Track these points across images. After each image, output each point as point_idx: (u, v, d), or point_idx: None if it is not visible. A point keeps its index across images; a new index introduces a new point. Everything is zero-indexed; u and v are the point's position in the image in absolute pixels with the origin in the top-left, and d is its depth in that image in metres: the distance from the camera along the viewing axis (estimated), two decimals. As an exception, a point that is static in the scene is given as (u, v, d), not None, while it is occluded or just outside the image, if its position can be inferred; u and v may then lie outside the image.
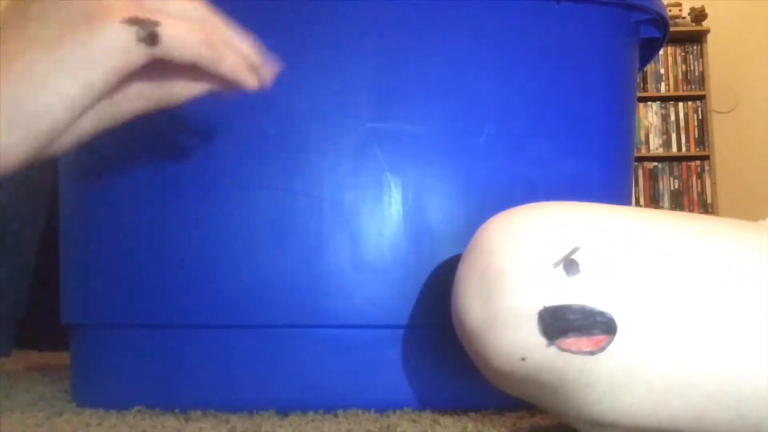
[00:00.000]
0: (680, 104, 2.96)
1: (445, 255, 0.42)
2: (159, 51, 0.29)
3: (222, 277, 0.41)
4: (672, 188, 2.91)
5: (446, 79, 0.43)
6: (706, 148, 2.90)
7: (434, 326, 0.42)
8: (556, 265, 0.31)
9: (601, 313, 0.31)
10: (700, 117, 2.94)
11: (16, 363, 0.74)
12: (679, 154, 2.92)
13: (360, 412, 0.41)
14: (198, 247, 0.41)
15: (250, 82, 0.33)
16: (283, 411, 0.41)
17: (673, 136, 2.94)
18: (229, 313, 0.41)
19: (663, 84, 2.96)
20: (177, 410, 0.41)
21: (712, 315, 0.31)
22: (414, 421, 0.38)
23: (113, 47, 0.28)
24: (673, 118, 2.95)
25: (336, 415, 0.40)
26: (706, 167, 2.89)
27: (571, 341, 0.31)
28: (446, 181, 0.42)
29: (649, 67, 2.93)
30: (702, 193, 2.88)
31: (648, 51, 0.51)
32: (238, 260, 0.41)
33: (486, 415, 0.41)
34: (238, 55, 0.33)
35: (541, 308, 0.31)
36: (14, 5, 0.30)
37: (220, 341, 0.41)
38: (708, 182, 2.88)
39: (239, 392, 0.41)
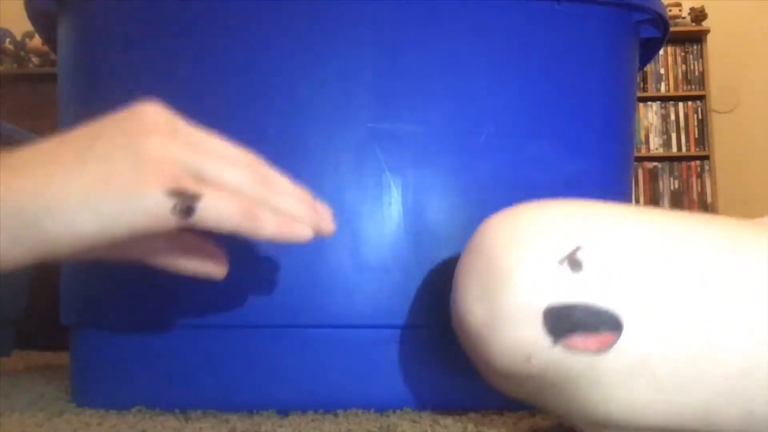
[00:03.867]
0: (680, 104, 2.96)
1: (445, 255, 0.42)
2: (192, 222, 0.29)
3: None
4: (672, 188, 2.91)
5: (446, 79, 0.43)
6: (706, 148, 2.90)
7: (434, 326, 0.42)
8: (561, 261, 0.31)
9: (607, 312, 0.31)
10: (700, 117, 2.94)
11: (16, 363, 0.74)
12: (679, 154, 2.92)
13: (360, 412, 0.41)
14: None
15: (299, 233, 0.32)
16: (283, 411, 0.41)
17: (673, 136, 2.94)
18: (228, 313, 0.41)
19: (663, 84, 2.96)
20: (177, 410, 0.41)
21: (718, 311, 0.31)
22: (414, 422, 0.38)
23: (146, 212, 0.28)
24: (673, 118, 2.95)
25: (336, 415, 0.40)
26: (706, 167, 2.89)
27: (577, 340, 0.31)
28: (446, 181, 0.42)
29: (649, 67, 2.93)
30: (702, 193, 2.88)
31: (648, 51, 0.51)
32: (238, 260, 0.41)
33: (486, 415, 0.41)
34: (287, 204, 0.33)
35: (546, 307, 0.31)
36: (89, 126, 0.30)
37: (220, 341, 0.41)
38: (708, 182, 2.88)
39: (239, 392, 0.41)
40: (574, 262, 0.31)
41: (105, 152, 0.29)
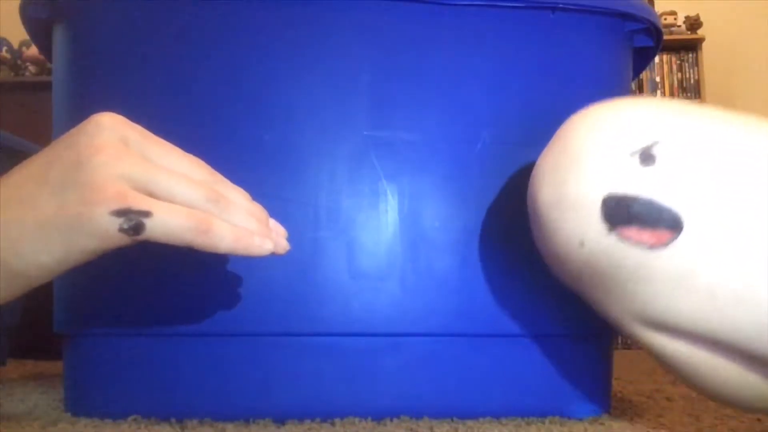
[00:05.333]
0: (676, 112, 2.96)
1: (441, 263, 0.42)
2: (142, 238, 0.30)
3: (217, 285, 0.41)
4: (668, 196, 2.92)
5: (442, 88, 0.43)
6: (702, 156, 2.90)
7: (430, 334, 0.42)
8: (633, 154, 0.31)
9: (669, 210, 0.30)
10: (695, 125, 2.94)
11: (10, 372, 0.74)
12: (675, 161, 2.92)
13: (357, 420, 0.41)
14: (193, 255, 0.41)
15: (257, 248, 0.32)
16: (280, 419, 0.41)
17: (669, 143, 2.95)
18: (224, 322, 0.41)
19: (659, 92, 2.97)
20: (173, 419, 0.40)
21: None
22: (411, 429, 0.38)
23: (95, 235, 0.30)
24: (668, 125, 2.96)
25: (333, 424, 0.40)
26: (702, 175, 2.90)
27: (632, 231, 0.31)
28: (442, 189, 0.42)
29: (645, 75, 2.94)
30: (698, 200, 2.88)
31: (641, 60, 0.51)
32: (233, 268, 0.41)
33: (483, 423, 0.41)
34: (239, 219, 0.33)
35: (607, 194, 0.31)
36: (46, 151, 0.32)
37: (216, 350, 0.41)
38: (704, 190, 2.89)
39: (235, 401, 0.41)
40: (647, 156, 0.31)
41: (57, 180, 0.30)
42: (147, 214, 0.30)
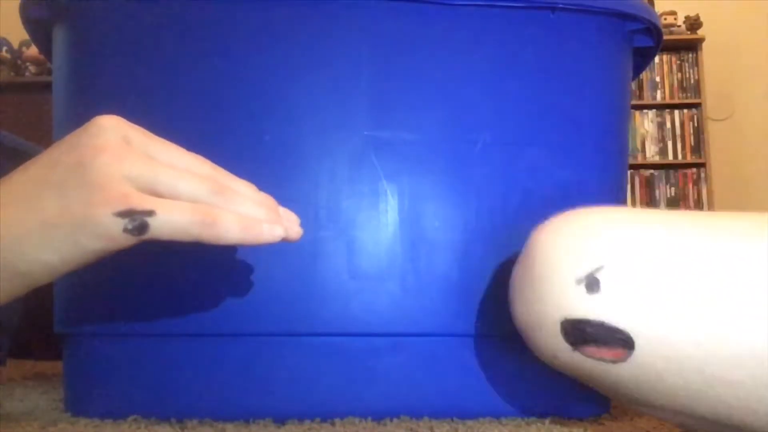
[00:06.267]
0: (676, 112, 2.97)
1: (441, 263, 0.42)
2: (147, 237, 0.30)
3: (217, 285, 0.41)
4: (669, 196, 2.92)
5: (442, 88, 0.43)
6: (703, 156, 2.91)
7: (430, 334, 0.42)
8: (579, 282, 0.33)
9: (619, 330, 0.32)
10: (696, 125, 2.95)
11: (10, 372, 0.74)
12: (675, 161, 2.93)
13: (357, 420, 0.41)
14: (192, 255, 0.41)
15: (267, 235, 0.32)
16: (280, 420, 0.41)
17: (669, 143, 2.95)
18: (224, 322, 0.41)
19: (659, 92, 2.97)
20: (173, 419, 0.40)
21: (729, 332, 0.31)
22: (411, 430, 0.38)
23: (100, 236, 0.30)
24: (669, 125, 2.96)
25: (333, 424, 0.40)
26: (703, 175, 2.91)
27: (592, 350, 0.33)
28: (442, 190, 0.42)
29: (645, 75, 2.94)
30: (698, 200, 2.89)
31: (641, 60, 0.51)
32: (234, 268, 0.41)
33: (483, 423, 0.41)
34: (247, 209, 0.33)
35: (563, 319, 0.34)
36: (48, 152, 0.32)
37: (215, 350, 0.41)
38: (704, 189, 2.89)
39: (235, 401, 0.41)
40: (592, 282, 0.33)
41: (60, 181, 0.30)
42: (151, 213, 0.30)
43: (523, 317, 0.36)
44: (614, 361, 0.33)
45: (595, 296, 0.33)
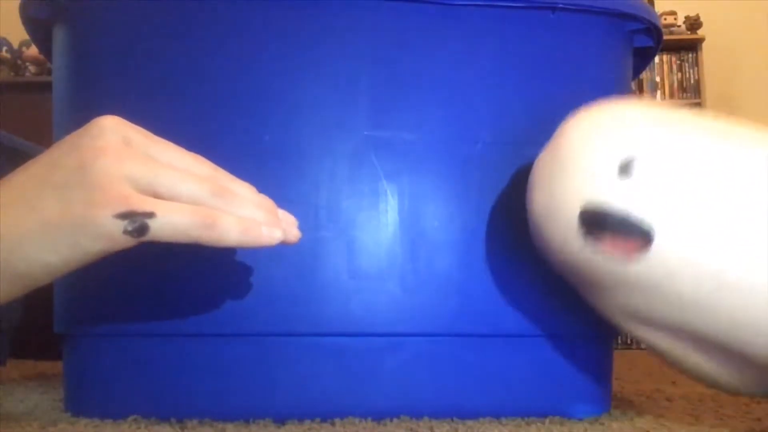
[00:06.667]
0: (676, 112, 2.96)
1: (441, 262, 0.42)
2: (147, 239, 0.30)
3: (217, 285, 0.41)
4: (668, 196, 2.92)
5: (442, 88, 0.43)
6: (702, 156, 2.91)
7: (430, 334, 0.42)
8: (612, 166, 0.32)
9: (640, 221, 0.31)
10: (695, 125, 2.94)
11: (10, 372, 0.74)
12: (675, 161, 2.92)
13: (357, 420, 0.41)
14: (192, 255, 0.41)
15: (266, 238, 0.32)
16: (280, 420, 0.41)
17: (669, 143, 2.95)
18: (224, 322, 0.41)
19: (659, 92, 2.97)
20: (173, 419, 0.40)
21: (748, 237, 0.31)
22: (411, 429, 0.38)
23: (100, 237, 0.30)
24: (668, 125, 2.96)
25: (333, 424, 0.40)
26: (702, 175, 2.90)
27: (605, 243, 0.32)
28: (442, 189, 0.42)
29: (645, 75, 2.94)
30: (698, 200, 2.88)
31: (641, 60, 0.51)
32: (233, 268, 0.41)
33: (483, 423, 0.41)
34: (246, 211, 0.33)
35: (584, 205, 0.32)
36: (49, 153, 0.32)
37: (215, 350, 0.41)
38: (704, 190, 2.89)
39: (235, 401, 0.41)
40: (625, 168, 0.32)
41: (60, 182, 0.30)
42: (151, 215, 0.30)
43: (541, 202, 0.34)
44: (626, 258, 0.32)
45: (625, 182, 0.32)
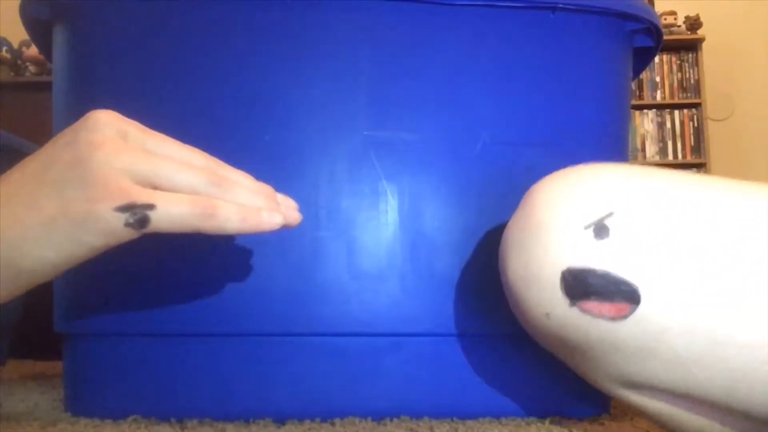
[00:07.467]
0: (676, 112, 2.97)
1: (441, 262, 0.42)
2: (148, 230, 0.30)
3: (217, 285, 0.41)
4: (668, 196, 2.91)
5: (442, 88, 0.43)
6: (702, 156, 2.91)
7: (430, 334, 0.42)
8: (587, 227, 0.31)
9: (625, 282, 0.31)
10: (695, 125, 2.95)
11: (10, 372, 0.74)
12: (675, 161, 2.93)
13: (357, 420, 0.41)
14: (192, 254, 0.41)
15: (266, 223, 0.32)
16: (280, 419, 0.41)
17: (669, 143, 2.95)
18: (224, 322, 0.41)
19: (659, 92, 2.97)
20: (173, 419, 0.40)
21: (743, 291, 0.30)
22: (411, 429, 0.38)
23: (101, 232, 0.30)
24: (669, 125, 2.96)
25: (333, 424, 0.40)
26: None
27: (592, 305, 0.31)
28: (442, 189, 0.42)
29: (645, 75, 2.94)
30: (698, 200, 2.88)
31: (641, 60, 0.51)
32: (234, 268, 0.41)
33: (483, 423, 0.41)
34: (245, 198, 0.33)
35: (566, 268, 0.31)
36: (45, 150, 0.32)
37: (215, 350, 0.41)
38: (704, 190, 2.89)
39: (235, 401, 0.41)
40: (600, 229, 0.31)
41: (58, 179, 0.30)
42: (151, 206, 0.30)
43: (518, 270, 0.33)
44: (614, 319, 0.31)
45: (603, 243, 0.31)
